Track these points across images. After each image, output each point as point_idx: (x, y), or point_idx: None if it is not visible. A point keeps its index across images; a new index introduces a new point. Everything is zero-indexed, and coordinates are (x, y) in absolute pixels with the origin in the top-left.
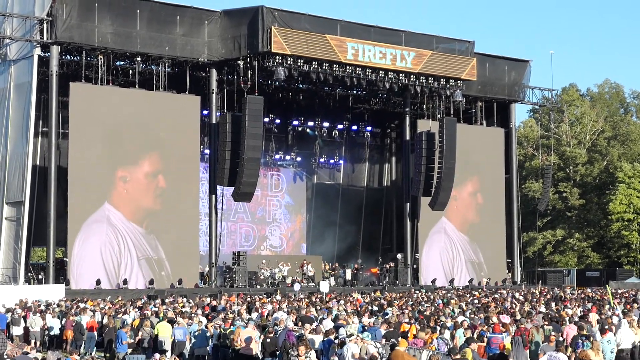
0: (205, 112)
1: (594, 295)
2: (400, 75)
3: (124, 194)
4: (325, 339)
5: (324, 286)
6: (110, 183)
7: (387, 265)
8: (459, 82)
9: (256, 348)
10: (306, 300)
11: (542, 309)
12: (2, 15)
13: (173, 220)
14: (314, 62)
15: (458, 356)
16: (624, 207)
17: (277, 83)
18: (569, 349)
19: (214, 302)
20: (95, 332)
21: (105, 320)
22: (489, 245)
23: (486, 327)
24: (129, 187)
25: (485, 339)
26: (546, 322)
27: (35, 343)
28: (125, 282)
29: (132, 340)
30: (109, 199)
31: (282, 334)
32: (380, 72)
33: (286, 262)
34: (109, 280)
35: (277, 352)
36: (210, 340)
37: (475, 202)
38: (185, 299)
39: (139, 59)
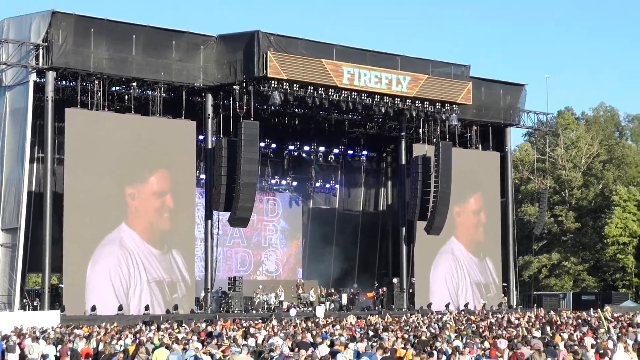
0: (201, 137)
1: (589, 319)
2: (396, 99)
3: (133, 217)
4: None
5: (320, 311)
6: (116, 207)
7: (381, 290)
8: (454, 106)
9: None
10: (302, 325)
11: (538, 333)
12: None
13: (170, 245)
14: (309, 87)
15: None
16: (620, 230)
17: (272, 108)
18: None
19: (209, 328)
20: (91, 359)
21: (100, 347)
22: (495, 266)
23: (482, 352)
24: (139, 207)
25: None
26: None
27: None
28: (120, 308)
29: None
30: (118, 222)
31: None
32: (376, 96)
33: (282, 287)
34: (116, 298)
35: None
36: None
37: (479, 220)
38: (185, 325)
39: (134, 84)
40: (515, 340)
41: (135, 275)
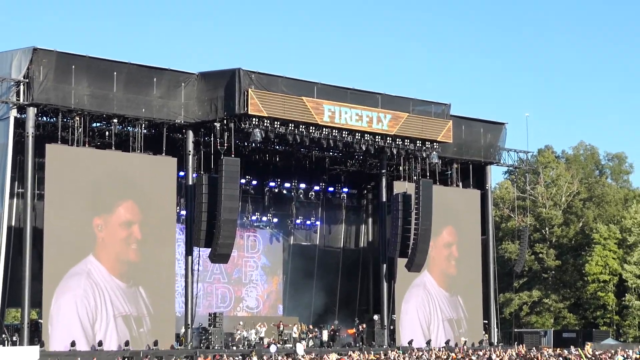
0: (181, 173)
1: (570, 356)
2: (377, 137)
3: (101, 249)
4: None
5: (300, 348)
6: (86, 239)
7: (361, 327)
8: (435, 144)
9: None
10: None
11: None
12: None
13: (150, 281)
14: (290, 124)
15: None
16: (600, 268)
17: (253, 145)
18: None
19: None
20: None
21: None
22: (467, 303)
23: None
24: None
25: None
26: None
27: None
28: (100, 343)
29: None
30: (85, 255)
31: None
32: (357, 134)
33: (263, 323)
34: (85, 337)
35: None
36: None
37: (450, 253)
38: None
39: (115, 120)
40: None
41: (102, 308)
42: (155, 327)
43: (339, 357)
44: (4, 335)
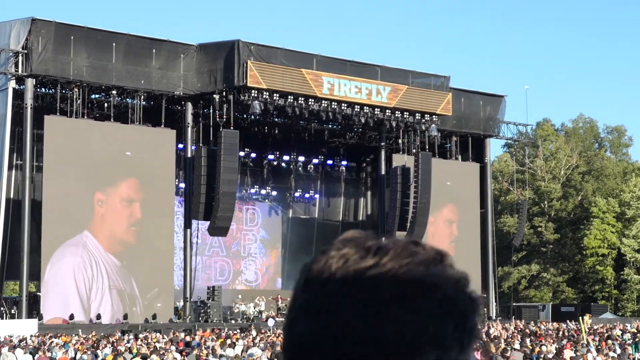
0: (180, 145)
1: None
2: (376, 109)
3: (99, 225)
4: None
5: None
6: (85, 213)
7: None
8: (434, 116)
9: None
10: (280, 337)
11: (517, 345)
12: None
13: (148, 254)
14: (289, 97)
15: None
16: (599, 242)
17: (252, 117)
18: None
19: (188, 338)
20: None
21: (78, 356)
22: None
23: None
24: (105, 215)
25: None
26: None
27: None
28: (99, 316)
29: None
30: (84, 228)
31: None
32: (356, 106)
33: (261, 297)
34: (82, 307)
35: None
36: None
37: (450, 232)
38: (159, 334)
39: (114, 92)
40: (496, 353)
41: (98, 278)
42: (153, 300)
43: None
44: (2, 308)
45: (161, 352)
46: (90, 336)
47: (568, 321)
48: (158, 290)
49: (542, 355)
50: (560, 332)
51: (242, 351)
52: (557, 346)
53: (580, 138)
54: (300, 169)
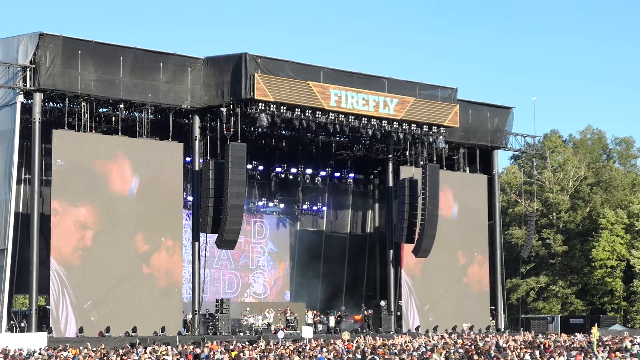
0: (188, 159)
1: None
2: (383, 122)
3: (103, 240)
4: None
5: (307, 331)
6: (91, 228)
7: (366, 312)
8: (441, 128)
9: None
10: (289, 349)
11: (527, 357)
12: None
13: (157, 267)
14: (297, 109)
15: None
16: (607, 254)
17: (260, 130)
18: None
19: (197, 350)
20: None
21: None
22: (474, 290)
23: None
24: (109, 233)
25: None
26: None
27: None
28: (108, 330)
29: None
30: (91, 243)
31: None
32: (363, 118)
33: (270, 309)
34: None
35: None
36: None
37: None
38: (169, 347)
39: (122, 105)
40: None
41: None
42: (162, 313)
43: (348, 342)
44: (12, 322)
45: None
46: (99, 349)
47: (577, 333)
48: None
49: None
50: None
51: None
52: (567, 358)
53: (588, 149)
54: (307, 181)
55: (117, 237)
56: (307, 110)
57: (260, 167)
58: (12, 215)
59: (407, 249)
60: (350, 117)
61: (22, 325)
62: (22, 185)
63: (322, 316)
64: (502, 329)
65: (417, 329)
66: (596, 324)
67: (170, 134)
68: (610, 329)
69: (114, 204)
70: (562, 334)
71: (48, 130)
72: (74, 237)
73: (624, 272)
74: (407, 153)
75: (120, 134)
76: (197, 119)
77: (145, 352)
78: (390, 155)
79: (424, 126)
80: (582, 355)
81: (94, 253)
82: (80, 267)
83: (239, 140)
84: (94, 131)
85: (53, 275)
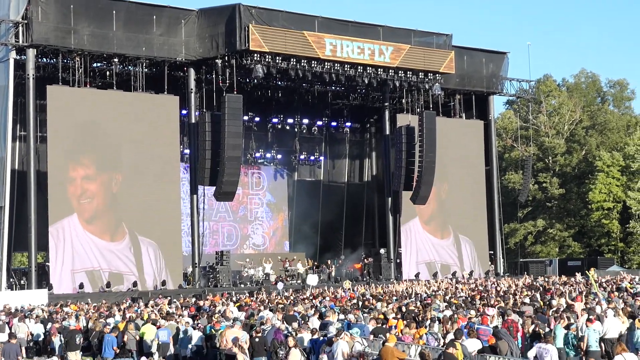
0: (184, 111)
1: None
2: (379, 70)
3: (103, 195)
4: (314, 337)
5: (312, 279)
6: (89, 183)
7: (366, 260)
8: (437, 75)
9: (243, 348)
10: (291, 298)
11: (527, 300)
12: None
13: (155, 221)
14: (292, 59)
15: (450, 350)
16: (604, 196)
17: (255, 81)
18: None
19: (199, 303)
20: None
21: (89, 325)
22: (472, 235)
23: (474, 319)
24: (109, 187)
25: (474, 332)
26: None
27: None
28: (108, 285)
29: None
30: (89, 199)
31: (270, 332)
32: (359, 67)
33: (268, 259)
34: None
35: (267, 351)
36: (195, 341)
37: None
38: (173, 300)
39: (116, 60)
40: (506, 307)
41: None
42: (162, 266)
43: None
44: (11, 280)
45: (172, 318)
46: (100, 304)
47: (577, 274)
48: None
49: (553, 309)
50: (569, 286)
51: (253, 314)
52: (568, 299)
53: (582, 93)
54: (304, 131)
55: (115, 189)
56: (303, 60)
57: (257, 119)
58: (8, 173)
59: (405, 196)
60: (345, 66)
61: (22, 282)
62: (18, 142)
63: (323, 265)
64: (502, 274)
65: (416, 275)
66: (592, 268)
67: (166, 87)
68: (608, 270)
69: (111, 158)
70: (560, 276)
71: (42, 86)
72: (72, 191)
73: (621, 214)
74: (403, 101)
75: (115, 88)
76: (192, 72)
77: (146, 306)
78: (386, 104)
79: (420, 73)
80: (582, 296)
81: (94, 207)
82: (80, 221)
83: (235, 92)
84: (88, 86)
85: (52, 230)
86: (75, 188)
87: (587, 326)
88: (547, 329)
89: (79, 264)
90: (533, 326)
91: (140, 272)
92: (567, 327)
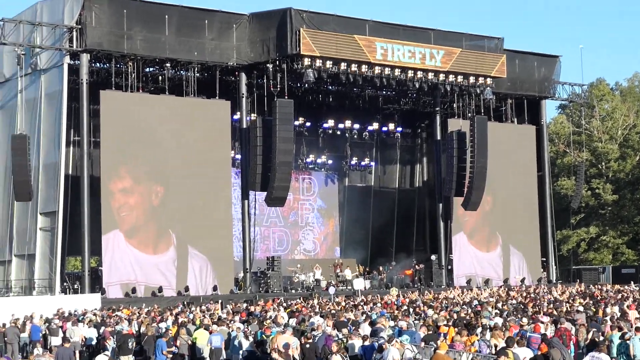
0: (235, 116)
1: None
2: (430, 74)
3: (156, 201)
4: (365, 343)
5: (358, 284)
6: (143, 189)
7: (417, 266)
8: (488, 79)
9: (295, 354)
10: (343, 304)
11: (580, 308)
12: (31, 24)
13: (207, 227)
14: (342, 63)
15: (502, 358)
16: None
17: (306, 85)
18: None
19: (250, 308)
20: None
21: (142, 329)
22: (524, 241)
23: (526, 327)
24: (160, 193)
25: (525, 340)
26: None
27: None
28: (160, 289)
29: (173, 349)
30: (141, 205)
31: (321, 339)
32: (410, 71)
33: (317, 265)
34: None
35: (317, 358)
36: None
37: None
38: (225, 305)
39: (168, 64)
40: (559, 315)
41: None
42: (214, 272)
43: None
44: (65, 284)
45: (224, 323)
46: (153, 309)
47: (632, 282)
48: None
49: (606, 317)
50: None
51: (303, 320)
52: (621, 307)
53: (636, 97)
54: (355, 136)
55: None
56: (353, 64)
57: (308, 123)
58: (62, 178)
59: (457, 202)
60: (396, 70)
61: (75, 286)
62: (71, 147)
63: (374, 272)
64: (554, 281)
65: (468, 282)
66: None
67: (217, 92)
68: None
69: (163, 164)
70: (614, 284)
71: (95, 91)
72: (125, 198)
73: None
74: (454, 105)
75: (167, 93)
76: (243, 76)
77: (198, 311)
78: (437, 108)
79: (471, 77)
80: (636, 304)
81: (146, 213)
82: (132, 228)
83: (286, 97)
84: (141, 91)
85: (105, 236)
86: (115, 201)
87: (635, 335)
88: (601, 338)
89: (115, 277)
90: (590, 334)
91: (180, 285)
92: (622, 337)
